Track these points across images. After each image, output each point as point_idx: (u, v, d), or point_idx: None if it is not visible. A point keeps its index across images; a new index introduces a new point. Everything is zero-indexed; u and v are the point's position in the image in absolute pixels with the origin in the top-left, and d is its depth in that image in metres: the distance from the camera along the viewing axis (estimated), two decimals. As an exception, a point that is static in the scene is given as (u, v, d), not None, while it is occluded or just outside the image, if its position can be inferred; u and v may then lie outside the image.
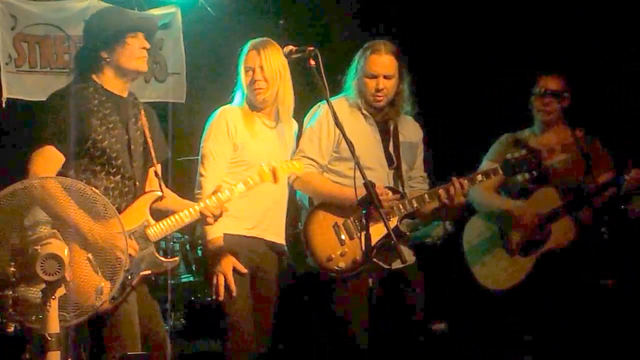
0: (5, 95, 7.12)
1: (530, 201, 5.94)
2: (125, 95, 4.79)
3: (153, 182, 4.91)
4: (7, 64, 7.17)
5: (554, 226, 5.87)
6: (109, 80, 4.71)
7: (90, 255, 4.16)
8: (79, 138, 4.53)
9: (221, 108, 5.40)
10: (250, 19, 8.16)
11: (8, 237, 4.02)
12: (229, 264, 5.15)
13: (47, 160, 4.48)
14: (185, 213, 4.74)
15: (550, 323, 5.79)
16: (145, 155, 4.84)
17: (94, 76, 4.71)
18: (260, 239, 5.32)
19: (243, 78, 5.35)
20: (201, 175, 5.27)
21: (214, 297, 5.21)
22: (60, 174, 4.45)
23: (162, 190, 4.83)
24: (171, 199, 4.89)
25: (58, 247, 3.90)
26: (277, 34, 8.09)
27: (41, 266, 3.82)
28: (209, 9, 8.11)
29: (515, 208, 5.94)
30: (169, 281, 7.44)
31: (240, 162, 5.29)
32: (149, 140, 4.84)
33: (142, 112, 4.88)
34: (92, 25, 4.79)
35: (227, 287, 5.15)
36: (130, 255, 4.45)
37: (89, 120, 4.56)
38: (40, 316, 3.91)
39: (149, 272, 4.68)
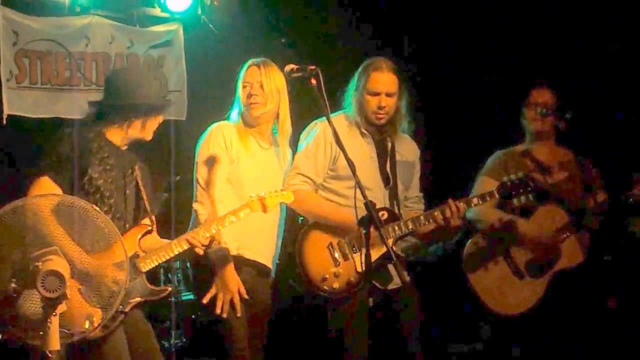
0: (6, 111, 7.12)
1: (533, 220, 5.83)
2: (124, 148, 4.86)
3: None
4: (8, 80, 7.19)
5: (563, 245, 5.80)
6: (115, 133, 4.79)
7: (81, 287, 4.15)
8: (77, 173, 4.57)
9: (216, 123, 5.36)
10: (252, 37, 8.17)
11: (9, 253, 4.01)
12: (236, 284, 5.13)
13: (43, 191, 4.49)
14: (175, 244, 4.76)
15: (564, 343, 5.75)
16: (138, 206, 4.90)
17: (99, 126, 4.77)
18: (247, 259, 5.26)
19: (240, 93, 5.32)
20: (199, 187, 5.23)
21: (218, 312, 5.11)
22: None
23: (152, 229, 4.86)
24: (157, 241, 4.91)
25: (59, 263, 3.90)
26: (279, 52, 8.18)
27: (42, 283, 3.81)
28: (211, 26, 8.13)
29: (520, 224, 5.83)
30: (171, 299, 7.44)
31: (234, 178, 5.25)
32: (143, 193, 4.89)
33: (138, 166, 4.93)
34: (134, 86, 4.81)
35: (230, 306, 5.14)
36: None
37: (87, 158, 4.61)
38: (41, 333, 3.90)
39: (140, 299, 4.68)
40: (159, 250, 4.74)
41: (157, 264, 4.75)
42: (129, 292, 4.57)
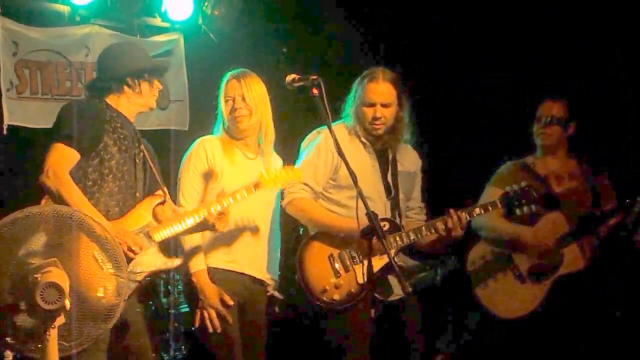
0: (6, 122, 7.10)
1: (538, 226, 5.87)
2: (132, 120, 4.94)
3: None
4: (8, 90, 7.17)
5: (566, 251, 5.84)
6: (122, 105, 4.87)
7: (95, 253, 4.21)
8: (93, 140, 4.64)
9: (199, 139, 5.33)
10: (253, 46, 8.17)
11: (8, 265, 4.00)
12: (216, 296, 5.08)
13: (63, 155, 4.55)
14: (189, 217, 4.78)
15: (564, 349, 5.76)
16: (145, 177, 4.93)
17: (106, 99, 4.85)
18: (239, 272, 5.22)
19: (223, 108, 5.28)
20: (182, 206, 5.16)
21: (211, 331, 5.07)
22: (71, 172, 4.54)
23: (166, 199, 4.90)
24: (173, 210, 4.94)
25: (58, 275, 3.88)
26: (279, 61, 8.18)
27: (41, 295, 3.80)
28: (211, 36, 8.14)
29: (524, 234, 5.88)
30: (170, 311, 7.42)
31: (217, 191, 5.18)
32: (152, 166, 4.94)
33: (143, 144, 4.99)
34: (125, 53, 4.96)
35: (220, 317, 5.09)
36: (135, 252, 4.52)
37: (101, 125, 4.68)
38: (40, 345, 3.88)
39: (154, 269, 4.68)
40: (172, 220, 4.76)
41: (170, 234, 4.74)
42: (142, 262, 4.60)
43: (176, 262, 4.87)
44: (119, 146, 4.72)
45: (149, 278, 4.72)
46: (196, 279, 5.08)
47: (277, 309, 5.48)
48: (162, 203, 4.86)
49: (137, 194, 4.83)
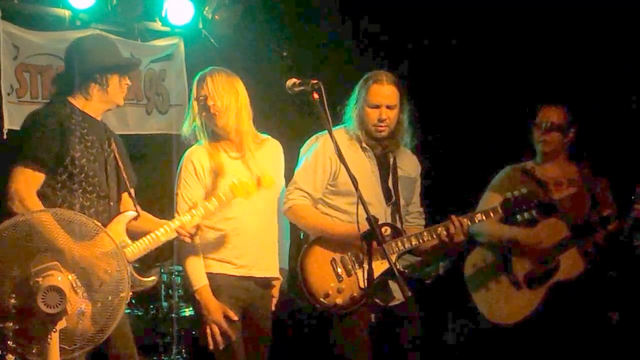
0: (6, 126, 7.09)
1: (536, 232, 5.87)
2: (99, 119, 4.86)
3: (127, 204, 4.92)
4: (9, 94, 7.16)
5: (564, 257, 5.83)
6: (89, 103, 4.78)
7: (70, 276, 4.13)
8: (58, 155, 4.56)
9: (187, 151, 5.29)
10: (253, 51, 8.17)
11: (10, 269, 4.00)
12: (219, 312, 5.06)
13: (27, 179, 4.49)
14: (161, 231, 4.73)
15: (560, 355, 5.76)
16: (117, 179, 4.88)
17: (69, 99, 4.76)
18: (249, 277, 5.21)
19: (196, 110, 5.22)
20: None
21: (212, 348, 5.08)
22: (38, 191, 4.50)
23: (137, 211, 4.83)
24: (146, 219, 4.88)
25: (59, 279, 3.88)
26: (279, 66, 8.18)
27: (42, 298, 3.80)
28: (212, 40, 8.14)
29: (522, 236, 5.88)
30: (172, 314, 7.41)
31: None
32: (120, 165, 4.88)
33: (113, 138, 4.93)
34: (93, 48, 4.85)
35: (223, 333, 5.08)
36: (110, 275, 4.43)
37: (67, 138, 4.59)
38: (41, 349, 3.88)
39: (132, 292, 4.63)
40: (146, 239, 4.70)
41: (144, 252, 4.69)
42: (119, 284, 4.48)
43: (153, 279, 4.86)
44: (87, 157, 4.65)
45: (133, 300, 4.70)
46: (199, 296, 5.06)
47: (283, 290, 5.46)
48: (135, 219, 4.81)
49: (111, 203, 4.79)
